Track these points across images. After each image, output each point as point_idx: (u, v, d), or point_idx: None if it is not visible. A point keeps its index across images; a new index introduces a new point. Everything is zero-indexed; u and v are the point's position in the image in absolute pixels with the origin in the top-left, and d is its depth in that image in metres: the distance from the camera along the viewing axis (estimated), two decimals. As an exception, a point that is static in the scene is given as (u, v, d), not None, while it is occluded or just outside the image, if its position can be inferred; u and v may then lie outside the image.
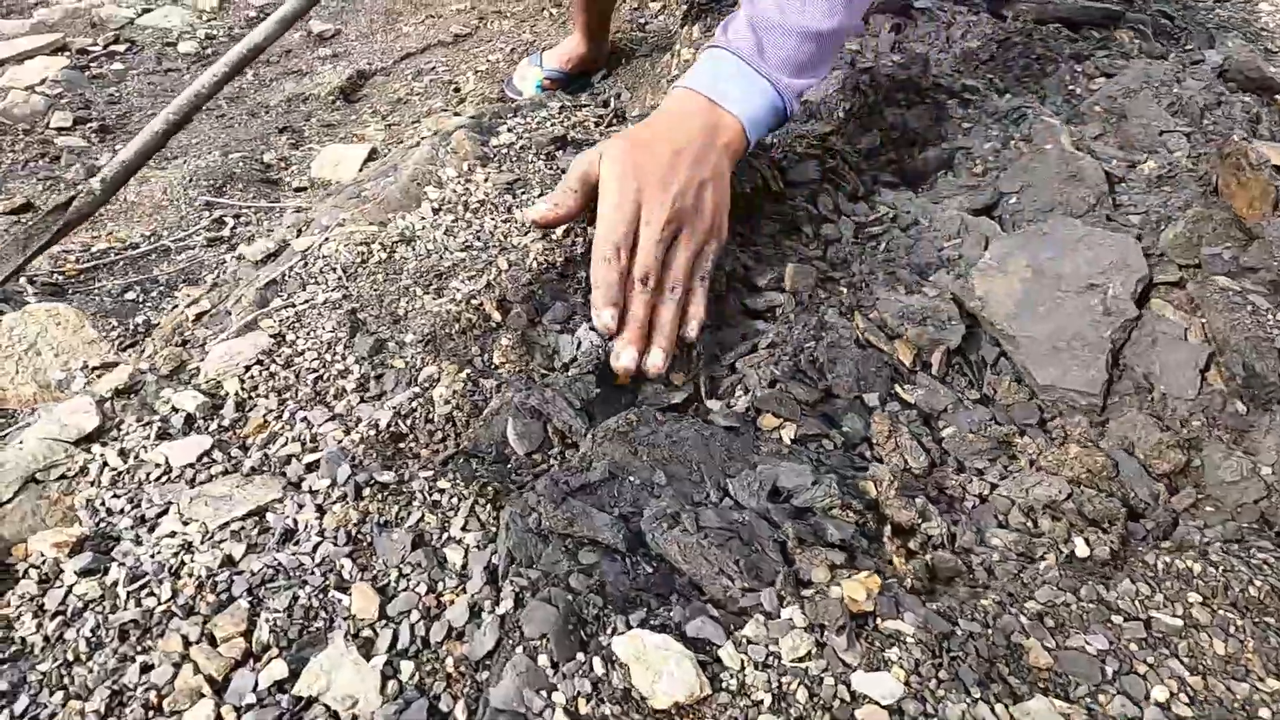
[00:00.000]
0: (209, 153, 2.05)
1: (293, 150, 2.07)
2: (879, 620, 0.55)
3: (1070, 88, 1.19)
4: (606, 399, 0.74)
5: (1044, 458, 0.75)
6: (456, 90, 2.27)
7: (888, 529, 0.65)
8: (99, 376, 1.00)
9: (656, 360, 0.74)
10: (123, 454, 0.70)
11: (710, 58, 0.85)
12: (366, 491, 0.62)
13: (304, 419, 0.71)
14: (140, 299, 1.50)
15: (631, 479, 0.62)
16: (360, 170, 1.83)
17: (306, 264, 0.88)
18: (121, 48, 2.49)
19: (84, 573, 0.58)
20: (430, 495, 0.61)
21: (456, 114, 2.00)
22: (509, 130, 1.09)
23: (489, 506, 0.59)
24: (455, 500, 0.60)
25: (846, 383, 0.79)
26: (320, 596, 0.56)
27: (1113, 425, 0.80)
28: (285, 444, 0.69)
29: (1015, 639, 0.56)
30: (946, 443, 0.77)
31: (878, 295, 0.89)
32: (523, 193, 0.98)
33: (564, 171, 0.85)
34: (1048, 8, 1.33)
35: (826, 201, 1.00)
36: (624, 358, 0.73)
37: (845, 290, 0.91)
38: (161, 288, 1.53)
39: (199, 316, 0.85)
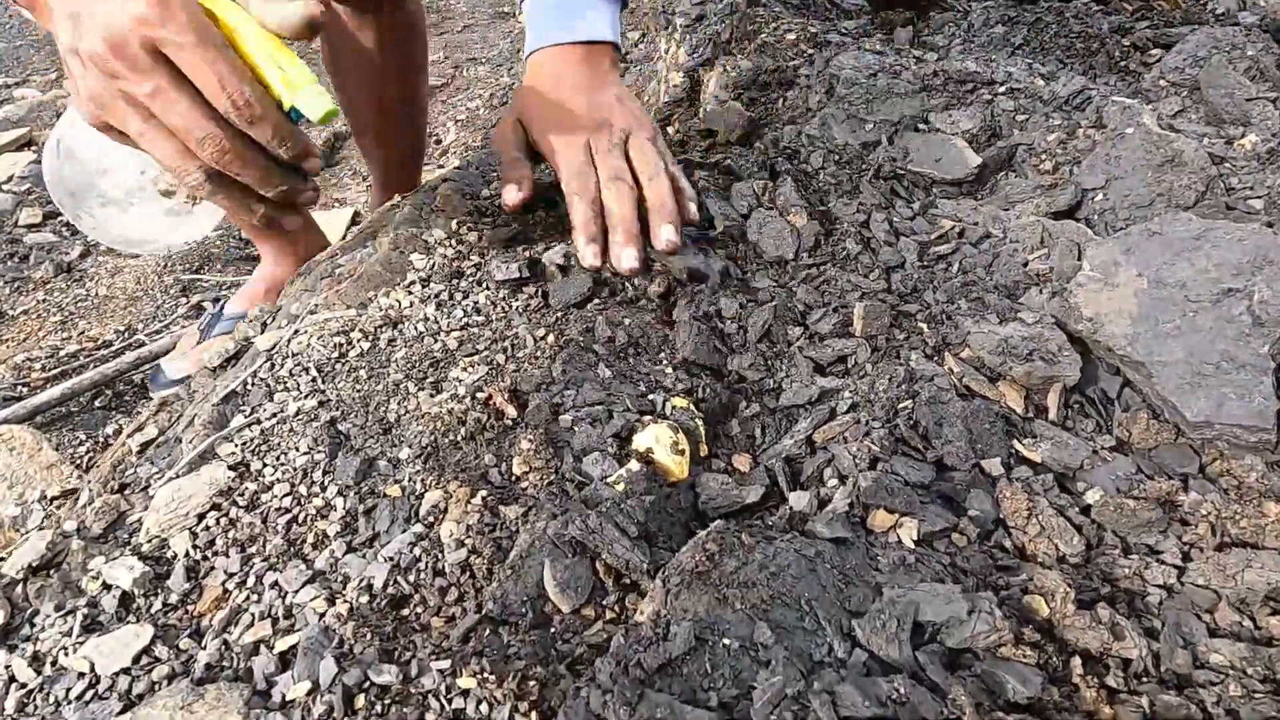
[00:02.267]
0: (184, 234, 1.86)
1: (272, 222, 1.89)
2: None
3: (1122, 64, 1.01)
4: (661, 509, 0.55)
5: (1231, 523, 0.56)
6: (438, 143, 2.09)
7: (1076, 662, 0.46)
8: (58, 508, 0.81)
9: (669, 236, 0.73)
10: (36, 660, 0.50)
11: (535, 10, 0.85)
12: (360, 700, 0.42)
13: (275, 584, 0.51)
14: (111, 404, 1.31)
15: (726, 642, 0.42)
16: (344, 237, 1.65)
17: (273, 366, 0.69)
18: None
19: None
20: (449, 700, 0.42)
21: (440, 166, 1.83)
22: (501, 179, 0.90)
23: (535, 715, 0.40)
24: (485, 707, 0.41)
25: (960, 449, 0.60)
26: None
27: (1299, 466, 0.60)
28: (250, 625, 0.49)
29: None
30: (1097, 512, 0.58)
31: (966, 329, 0.70)
32: (524, 248, 0.79)
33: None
34: (1074, -18, 1.16)
35: (880, 222, 0.81)
36: (625, 259, 0.73)
37: (925, 326, 0.72)
38: (135, 388, 1.34)
39: (144, 447, 0.65)
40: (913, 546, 0.52)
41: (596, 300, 0.73)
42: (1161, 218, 0.74)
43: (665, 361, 0.69)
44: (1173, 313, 0.68)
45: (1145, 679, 0.46)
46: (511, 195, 0.78)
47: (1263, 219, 0.73)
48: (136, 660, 0.48)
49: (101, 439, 1.15)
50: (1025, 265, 0.77)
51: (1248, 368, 0.63)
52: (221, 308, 1.36)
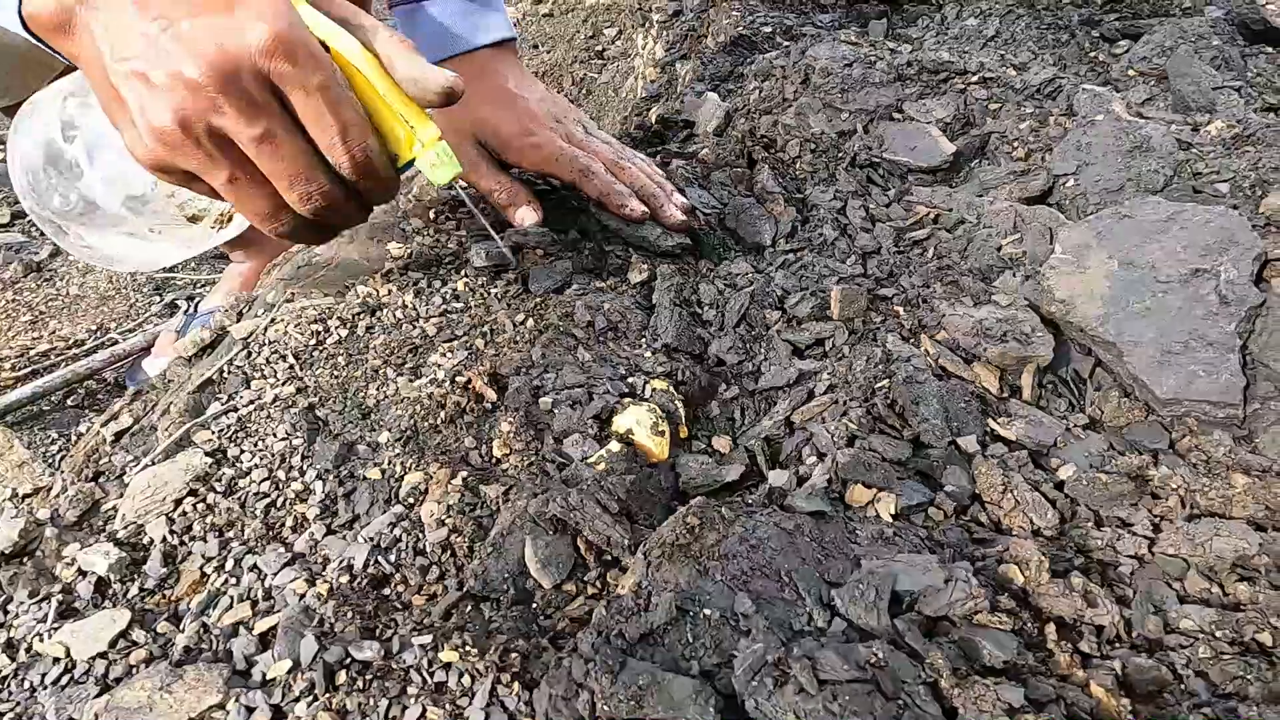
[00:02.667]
0: (159, 233, 1.84)
1: (248, 220, 1.87)
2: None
3: (1092, 54, 1.02)
4: (642, 488, 0.55)
5: (1201, 495, 0.57)
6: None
7: (1050, 629, 0.47)
8: (30, 507, 0.80)
9: (680, 200, 0.80)
10: (9, 647, 0.49)
11: (429, 18, 0.81)
12: (342, 677, 0.42)
13: (253, 567, 0.51)
14: (84, 403, 1.29)
15: (708, 612, 0.43)
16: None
17: (250, 354, 0.68)
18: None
19: None
20: (431, 674, 0.42)
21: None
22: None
23: (517, 685, 0.40)
24: (468, 680, 0.41)
25: (936, 426, 0.61)
26: None
27: (1265, 440, 0.62)
28: (230, 607, 0.49)
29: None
30: (1070, 487, 0.59)
31: (942, 311, 0.71)
32: (502, 236, 0.79)
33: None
34: (1044, -24, 1.18)
35: (857, 208, 0.82)
36: (679, 211, 0.79)
37: (901, 310, 0.73)
38: (108, 387, 1.32)
39: (119, 436, 0.65)
40: (890, 520, 0.53)
41: (575, 286, 0.73)
42: (1131, 202, 0.76)
43: (645, 345, 0.69)
44: (1143, 293, 0.69)
45: (1118, 644, 0.47)
46: (530, 216, 0.78)
47: (1228, 202, 0.74)
48: (113, 644, 0.48)
49: (74, 437, 1.13)
50: (999, 250, 0.78)
51: (1215, 346, 0.65)
52: (196, 305, 1.34)
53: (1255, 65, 1.00)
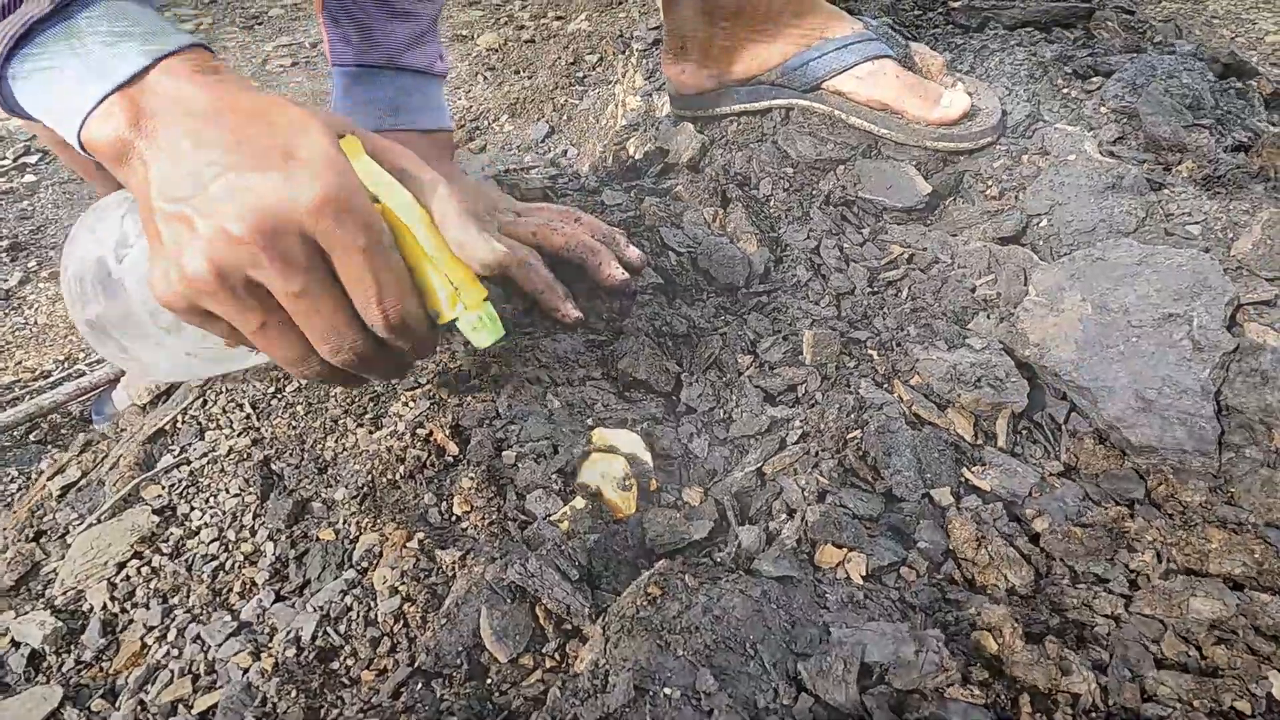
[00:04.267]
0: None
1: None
2: None
3: (1064, 91, 1.02)
4: (607, 548, 0.53)
5: (1177, 550, 0.56)
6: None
7: (1024, 700, 0.45)
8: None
9: (632, 254, 0.77)
10: (-66, 729, 0.46)
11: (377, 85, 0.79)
12: (281, 765, 0.40)
13: (197, 638, 0.49)
14: (47, 438, 1.26)
15: (668, 691, 0.41)
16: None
17: (205, 403, 0.66)
18: (33, 159, 2.25)
19: None
20: (376, 763, 0.39)
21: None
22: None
23: (465, 777, 0.38)
24: (413, 770, 0.38)
25: (909, 479, 0.59)
26: None
27: (1240, 489, 0.61)
28: (169, 683, 0.46)
29: None
30: (1045, 540, 0.57)
31: (915, 356, 0.70)
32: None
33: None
34: (1016, 10, 1.18)
35: (831, 248, 0.81)
36: (634, 256, 0.76)
37: (875, 353, 0.71)
38: (73, 421, 1.29)
39: (65, 490, 0.62)
40: (861, 582, 0.51)
41: (539, 330, 0.71)
42: (1104, 243, 0.75)
43: (612, 391, 0.67)
44: (1116, 338, 0.68)
45: (1094, 714, 0.45)
46: (574, 313, 0.74)
47: (1200, 244, 0.74)
48: (43, 725, 0.45)
49: (35, 475, 1.10)
50: (973, 291, 0.77)
51: (1189, 393, 0.64)
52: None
53: (1225, 102, 1.00)
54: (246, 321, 0.44)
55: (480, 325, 0.50)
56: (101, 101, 0.42)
